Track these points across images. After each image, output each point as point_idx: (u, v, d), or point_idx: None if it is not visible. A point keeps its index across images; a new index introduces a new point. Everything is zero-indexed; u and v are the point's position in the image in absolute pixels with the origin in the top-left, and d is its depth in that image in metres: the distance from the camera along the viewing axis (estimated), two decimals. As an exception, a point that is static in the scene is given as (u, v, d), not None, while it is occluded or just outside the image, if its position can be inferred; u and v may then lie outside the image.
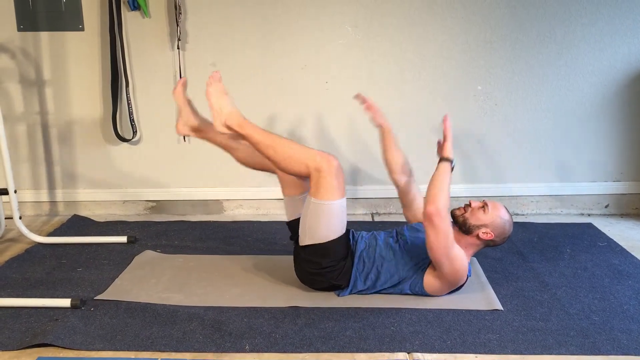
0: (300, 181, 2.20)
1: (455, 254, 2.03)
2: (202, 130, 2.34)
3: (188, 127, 2.33)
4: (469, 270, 2.13)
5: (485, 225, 2.12)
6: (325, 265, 2.10)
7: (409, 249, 2.16)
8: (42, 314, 2.04)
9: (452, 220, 2.21)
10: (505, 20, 2.98)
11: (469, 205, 2.19)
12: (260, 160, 2.24)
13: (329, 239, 2.08)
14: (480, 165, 3.17)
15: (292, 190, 2.24)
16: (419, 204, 2.38)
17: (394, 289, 2.15)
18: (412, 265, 2.13)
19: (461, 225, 2.15)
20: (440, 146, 2.16)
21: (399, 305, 2.09)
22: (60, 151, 3.16)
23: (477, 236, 2.13)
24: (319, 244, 2.08)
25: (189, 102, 2.34)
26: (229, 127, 2.15)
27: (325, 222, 2.08)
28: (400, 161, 2.44)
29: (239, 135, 2.17)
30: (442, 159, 2.11)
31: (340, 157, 2.13)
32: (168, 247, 2.70)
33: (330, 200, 2.05)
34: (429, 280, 2.11)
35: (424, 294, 2.14)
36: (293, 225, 2.20)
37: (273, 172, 2.27)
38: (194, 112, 2.34)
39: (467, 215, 2.15)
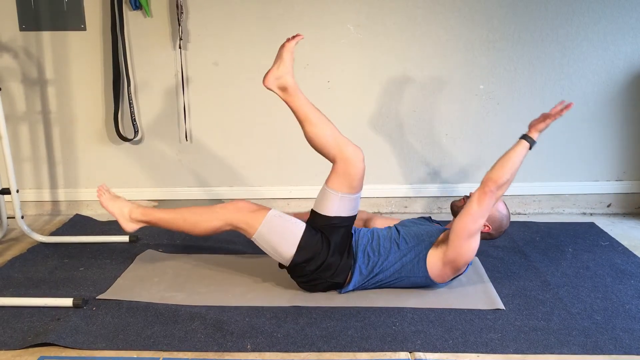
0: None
1: (476, 238, 2.06)
2: (290, 92, 2.17)
3: (278, 83, 2.18)
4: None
5: None
6: (316, 267, 2.11)
7: (408, 239, 2.17)
8: (44, 313, 2.04)
9: (451, 211, 2.23)
10: (507, 19, 2.97)
11: (469, 196, 2.20)
12: (324, 144, 2.15)
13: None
14: (482, 164, 3.16)
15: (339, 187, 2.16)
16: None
17: (398, 274, 2.15)
18: (414, 251, 2.14)
19: (456, 217, 2.16)
20: (538, 121, 2.11)
21: (401, 304, 2.09)
22: (62, 150, 3.16)
23: None
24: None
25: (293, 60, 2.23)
26: (136, 220, 2.25)
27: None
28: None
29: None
30: (525, 136, 2.08)
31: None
32: (170, 247, 2.70)
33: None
34: (432, 260, 2.12)
35: (425, 276, 2.13)
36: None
37: (331, 161, 2.17)
38: (292, 71, 2.21)
39: None
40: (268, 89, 2.20)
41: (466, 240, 2.04)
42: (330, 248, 2.11)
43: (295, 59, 2.97)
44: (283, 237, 2.11)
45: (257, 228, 2.10)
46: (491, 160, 3.14)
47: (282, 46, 2.22)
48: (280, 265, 2.21)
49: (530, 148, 2.07)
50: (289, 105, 2.19)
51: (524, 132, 2.10)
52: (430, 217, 2.44)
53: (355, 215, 2.21)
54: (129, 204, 2.27)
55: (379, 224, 2.47)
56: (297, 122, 2.20)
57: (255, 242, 2.16)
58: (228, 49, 3.02)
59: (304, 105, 2.17)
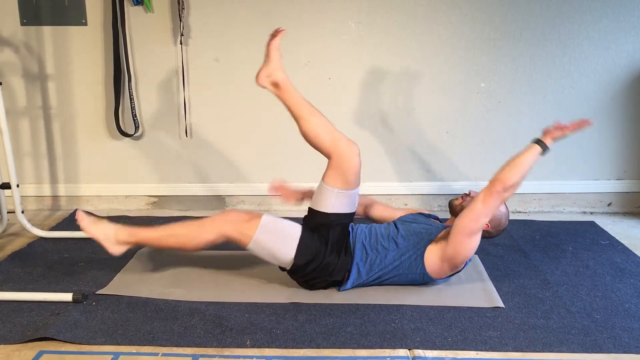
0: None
1: (476, 237, 2.05)
2: (282, 87, 2.18)
3: (270, 80, 2.19)
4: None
5: None
6: (315, 267, 2.10)
7: (407, 237, 2.16)
8: (43, 308, 2.04)
9: (449, 209, 2.22)
10: (508, 17, 2.97)
11: (468, 194, 2.19)
12: (318, 139, 2.15)
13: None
14: (482, 162, 3.17)
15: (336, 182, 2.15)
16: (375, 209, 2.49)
17: (396, 271, 2.14)
18: (413, 250, 2.13)
19: (459, 215, 2.15)
20: (555, 130, 2.09)
21: (400, 302, 2.09)
22: (63, 145, 3.16)
23: None
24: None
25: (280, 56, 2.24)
26: (123, 242, 2.15)
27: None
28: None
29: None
30: (539, 141, 2.06)
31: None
32: (170, 242, 2.70)
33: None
34: (430, 256, 2.11)
35: (422, 272, 2.13)
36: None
37: (327, 156, 2.16)
38: (282, 67, 2.22)
39: (465, 204, 2.16)
40: (261, 86, 2.21)
41: (466, 238, 2.03)
42: (327, 247, 2.11)
43: (297, 55, 3.01)
44: (280, 241, 2.09)
45: (252, 236, 2.07)
46: (491, 159, 3.17)
47: (268, 44, 2.22)
48: (281, 268, 2.20)
49: (542, 154, 2.05)
50: (282, 101, 2.20)
51: (538, 137, 2.07)
52: (436, 217, 2.39)
53: (354, 213, 2.20)
54: (112, 226, 2.15)
55: (379, 210, 2.47)
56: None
57: (251, 251, 2.12)
58: (229, 45, 3.01)
59: (297, 101, 2.17)
